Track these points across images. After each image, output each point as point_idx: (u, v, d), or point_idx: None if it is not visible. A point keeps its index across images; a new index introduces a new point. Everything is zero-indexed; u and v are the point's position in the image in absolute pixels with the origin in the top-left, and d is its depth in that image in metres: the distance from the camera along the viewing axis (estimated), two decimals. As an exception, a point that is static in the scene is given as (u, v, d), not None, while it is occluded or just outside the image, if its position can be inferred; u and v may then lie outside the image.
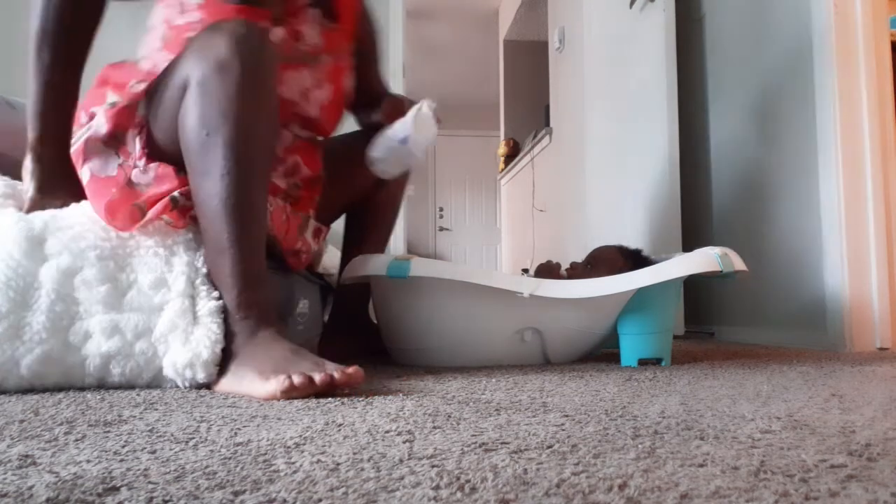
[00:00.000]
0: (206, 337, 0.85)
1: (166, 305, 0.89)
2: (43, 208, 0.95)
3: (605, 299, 1.21)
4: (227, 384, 0.86)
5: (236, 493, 0.40)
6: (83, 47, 1.00)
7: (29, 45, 0.98)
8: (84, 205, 0.97)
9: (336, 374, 0.80)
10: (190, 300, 0.89)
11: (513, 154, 4.88)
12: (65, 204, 0.97)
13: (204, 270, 0.92)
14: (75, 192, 0.98)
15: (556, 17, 3.77)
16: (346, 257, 1.44)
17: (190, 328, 0.87)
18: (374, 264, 1.23)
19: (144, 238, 0.94)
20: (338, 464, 0.48)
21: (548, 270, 1.41)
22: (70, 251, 0.89)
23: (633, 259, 1.40)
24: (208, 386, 0.87)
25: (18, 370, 0.83)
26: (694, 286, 2.37)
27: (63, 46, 0.98)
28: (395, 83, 3.08)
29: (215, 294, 0.90)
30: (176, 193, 0.95)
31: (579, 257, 1.51)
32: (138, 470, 0.46)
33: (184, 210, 0.96)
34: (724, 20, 2.20)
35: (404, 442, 0.55)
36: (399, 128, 1.23)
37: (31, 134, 0.98)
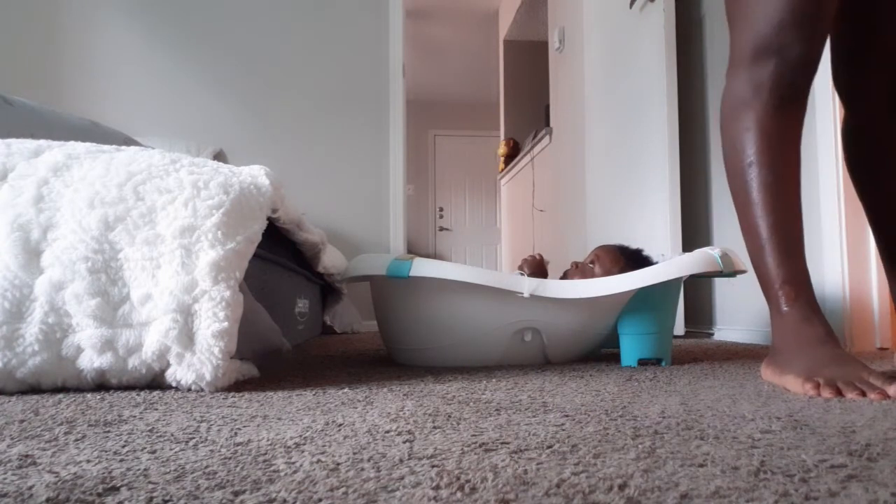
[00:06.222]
0: (208, 361, 0.84)
1: (153, 322, 0.86)
2: None
3: (605, 299, 1.21)
4: (768, 374, 0.96)
5: (236, 493, 0.40)
6: None
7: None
8: (77, 211, 0.92)
9: (891, 391, 0.78)
10: (183, 317, 0.85)
11: (513, 154, 4.88)
12: None
13: (205, 287, 0.87)
14: None
15: (556, 17, 3.77)
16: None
17: (186, 352, 0.85)
18: (374, 264, 1.23)
19: (133, 251, 0.89)
20: (338, 464, 0.48)
21: (535, 265, 1.42)
22: (61, 262, 0.86)
23: (633, 259, 1.40)
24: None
25: (13, 380, 0.83)
26: (694, 286, 2.37)
27: None
28: (395, 83, 3.09)
29: (221, 315, 0.86)
30: None
31: (579, 257, 1.51)
32: (138, 470, 0.46)
33: None
34: (724, 20, 2.20)
35: (404, 442, 0.55)
36: None
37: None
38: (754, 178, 0.96)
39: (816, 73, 0.96)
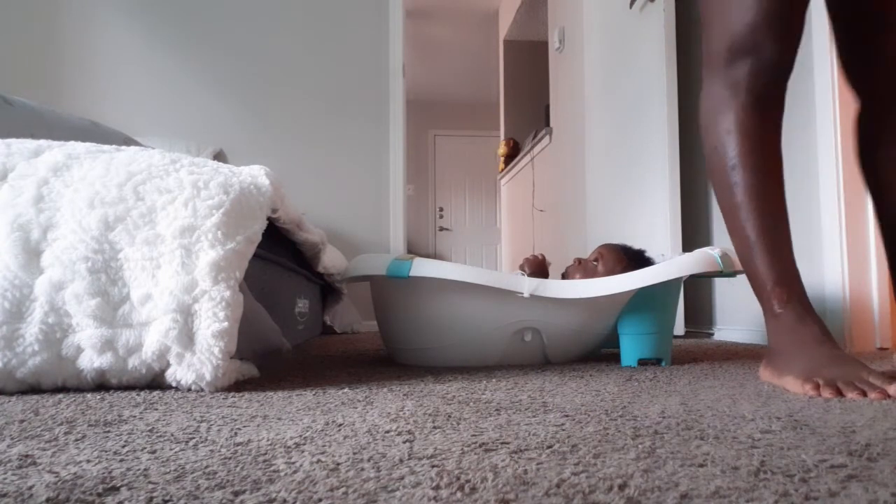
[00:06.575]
0: (208, 361, 0.84)
1: (153, 322, 0.86)
2: None
3: (605, 299, 1.21)
4: (767, 375, 0.96)
5: (236, 493, 0.40)
6: None
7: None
8: (77, 211, 0.92)
9: (891, 390, 0.79)
10: (183, 317, 0.85)
11: (513, 154, 4.88)
12: None
13: (205, 287, 0.87)
14: None
15: (556, 17, 3.77)
16: None
17: (186, 352, 0.85)
18: (374, 264, 1.23)
19: (133, 251, 0.89)
20: (338, 464, 0.48)
21: (536, 265, 1.42)
22: (61, 262, 0.86)
23: (636, 260, 1.40)
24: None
25: (13, 380, 0.83)
26: (694, 286, 2.37)
27: None
28: (395, 83, 3.09)
29: (221, 315, 0.85)
30: None
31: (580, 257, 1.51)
32: (138, 470, 0.46)
33: None
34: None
35: (404, 442, 0.55)
36: None
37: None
38: (738, 180, 0.96)
39: (792, 70, 0.96)
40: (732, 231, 0.99)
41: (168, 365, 0.86)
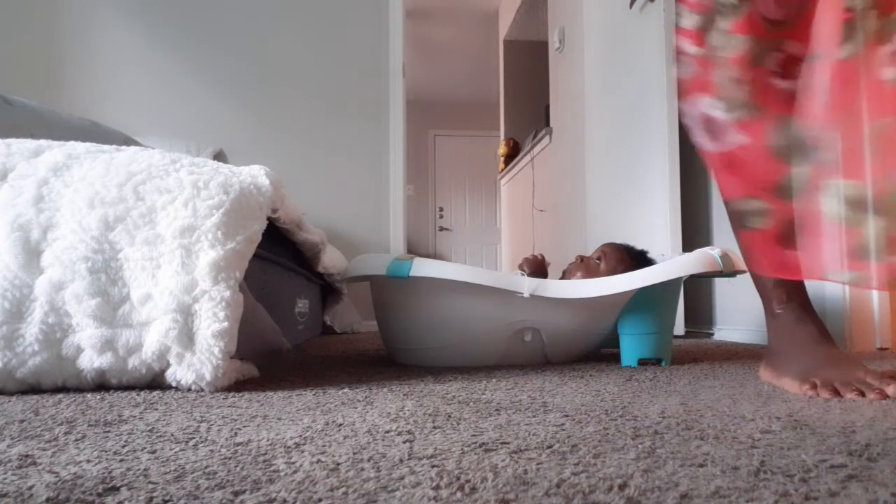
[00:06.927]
0: (208, 361, 0.84)
1: (153, 322, 0.86)
2: None
3: (604, 299, 1.21)
4: (767, 376, 0.96)
5: (236, 493, 0.40)
6: None
7: None
8: (77, 211, 0.91)
9: (889, 391, 0.79)
10: (183, 317, 0.85)
11: (513, 154, 4.88)
12: None
13: (205, 287, 0.87)
14: None
15: (556, 17, 3.77)
16: None
17: (186, 352, 0.84)
18: (374, 264, 1.23)
19: (133, 251, 0.89)
20: (338, 464, 0.48)
21: (535, 264, 1.42)
22: (61, 262, 0.86)
23: (638, 260, 1.39)
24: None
25: (13, 380, 0.83)
26: (694, 286, 2.37)
27: None
28: (395, 83, 3.09)
29: (221, 315, 0.85)
30: None
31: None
32: (138, 470, 0.46)
33: None
34: (724, 20, 2.19)
35: (404, 442, 0.55)
36: None
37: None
38: None
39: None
40: (736, 230, 1.00)
41: (168, 365, 0.86)
